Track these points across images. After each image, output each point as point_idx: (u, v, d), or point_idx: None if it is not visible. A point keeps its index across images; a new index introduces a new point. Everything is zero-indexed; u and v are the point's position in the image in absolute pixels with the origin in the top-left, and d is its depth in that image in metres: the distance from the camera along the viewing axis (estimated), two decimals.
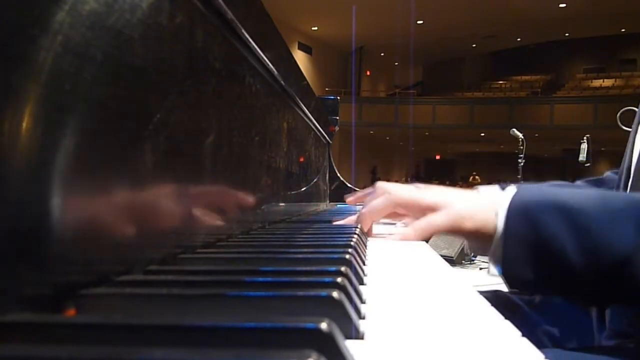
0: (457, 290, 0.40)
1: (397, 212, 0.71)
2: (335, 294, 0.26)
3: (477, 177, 16.36)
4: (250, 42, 0.64)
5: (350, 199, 0.96)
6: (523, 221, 0.54)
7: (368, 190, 0.86)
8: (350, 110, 15.80)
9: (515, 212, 0.54)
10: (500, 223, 0.55)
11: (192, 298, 0.28)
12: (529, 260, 0.52)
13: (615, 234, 0.50)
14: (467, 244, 4.51)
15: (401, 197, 0.68)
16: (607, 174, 0.90)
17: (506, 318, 0.29)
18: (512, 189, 0.57)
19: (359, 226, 0.71)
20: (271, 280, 0.33)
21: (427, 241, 0.72)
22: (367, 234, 0.75)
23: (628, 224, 0.50)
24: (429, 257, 0.58)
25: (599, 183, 0.89)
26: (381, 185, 0.73)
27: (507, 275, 0.55)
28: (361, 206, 0.84)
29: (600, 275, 0.50)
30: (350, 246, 0.47)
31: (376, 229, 0.89)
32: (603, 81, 18.57)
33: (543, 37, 18.80)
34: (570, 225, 0.51)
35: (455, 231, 0.63)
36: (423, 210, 0.65)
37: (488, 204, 0.59)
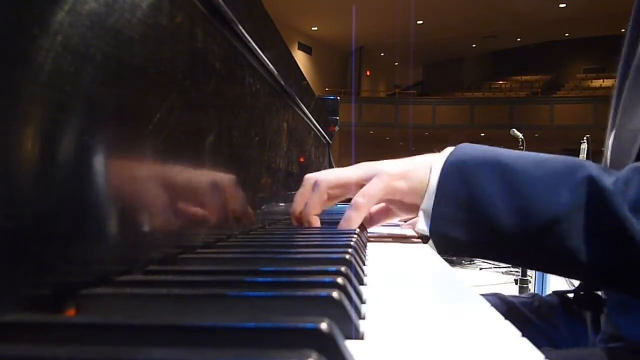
0: (457, 290, 0.40)
1: (330, 196, 0.69)
2: (335, 294, 0.26)
3: None
4: (250, 42, 0.64)
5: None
6: (456, 177, 0.52)
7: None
8: (350, 110, 15.80)
9: (449, 168, 0.52)
10: (433, 179, 0.53)
11: (192, 298, 0.28)
12: (459, 219, 0.50)
13: (548, 196, 0.47)
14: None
15: (329, 182, 0.66)
16: None
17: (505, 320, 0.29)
18: (449, 149, 0.55)
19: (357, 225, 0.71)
20: (271, 280, 0.33)
21: (426, 242, 0.72)
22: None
23: (563, 186, 0.47)
24: (429, 257, 0.58)
25: None
26: (307, 178, 0.71)
27: (435, 232, 0.52)
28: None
29: (532, 236, 0.48)
30: (350, 246, 0.47)
31: (377, 229, 0.89)
32: (603, 81, 18.57)
33: (543, 37, 18.81)
34: (504, 184, 0.49)
35: (391, 195, 0.61)
36: (357, 185, 0.64)
37: (422, 162, 0.57)
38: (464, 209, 0.50)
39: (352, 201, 0.65)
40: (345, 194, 0.69)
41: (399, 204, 0.66)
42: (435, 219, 0.52)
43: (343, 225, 0.67)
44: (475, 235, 0.50)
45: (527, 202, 0.48)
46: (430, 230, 0.53)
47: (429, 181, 0.54)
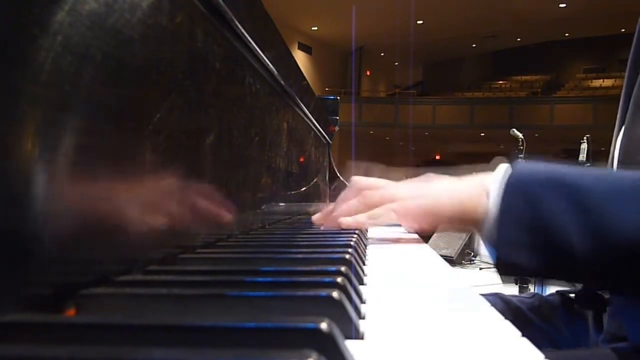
0: (457, 290, 0.40)
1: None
2: (335, 294, 0.26)
3: None
4: (250, 42, 0.64)
5: (317, 218, 0.79)
6: (520, 200, 0.47)
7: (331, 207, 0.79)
8: (350, 110, 15.80)
9: (511, 190, 0.48)
10: (492, 203, 0.49)
11: (192, 298, 0.28)
12: (526, 244, 0.46)
13: (625, 215, 0.44)
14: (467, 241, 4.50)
15: (374, 199, 0.62)
16: None
17: (505, 319, 0.29)
18: (502, 168, 0.51)
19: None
20: (271, 280, 0.33)
21: (427, 241, 0.72)
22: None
23: (638, 204, 0.44)
24: (429, 257, 0.58)
25: None
26: (357, 181, 0.68)
27: (502, 260, 0.49)
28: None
29: (608, 259, 0.45)
30: (350, 246, 0.47)
31: (379, 231, 0.89)
32: (603, 81, 18.57)
33: (543, 37, 18.80)
34: (573, 203, 0.45)
35: (433, 217, 0.57)
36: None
37: (474, 185, 0.53)
38: (531, 234, 0.46)
39: (385, 206, 0.61)
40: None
41: (441, 224, 0.62)
42: (500, 247, 0.48)
43: (350, 223, 0.65)
44: (545, 260, 0.47)
45: (601, 223, 0.44)
46: (497, 260, 0.49)
47: (487, 206, 0.49)
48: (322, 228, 0.71)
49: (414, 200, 0.58)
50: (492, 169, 0.53)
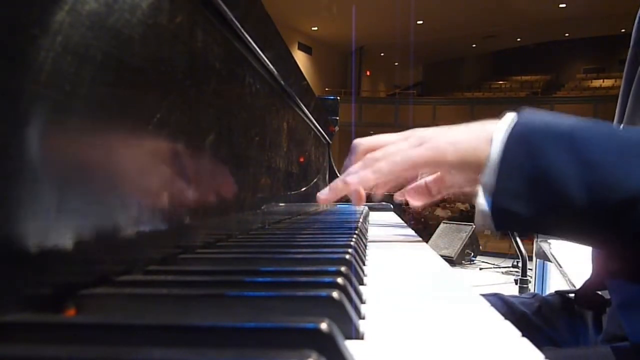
0: (457, 290, 0.40)
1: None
2: (335, 294, 0.26)
3: None
4: (250, 42, 0.64)
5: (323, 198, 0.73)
6: (521, 149, 0.47)
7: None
8: (350, 110, 15.80)
9: (513, 139, 0.47)
10: (495, 150, 0.48)
11: (192, 298, 0.28)
12: (523, 194, 0.46)
13: (625, 170, 0.43)
14: (468, 243, 4.50)
15: (368, 143, 0.61)
16: None
17: (505, 320, 0.29)
18: (509, 116, 0.50)
19: (359, 225, 0.71)
20: (271, 281, 0.33)
21: (427, 242, 0.72)
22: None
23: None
24: (429, 257, 0.58)
25: None
26: (359, 144, 0.64)
27: (496, 208, 0.48)
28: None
29: (603, 214, 0.44)
30: (350, 246, 0.47)
31: (377, 229, 0.89)
32: (603, 81, 18.58)
33: (543, 37, 18.81)
34: (574, 155, 0.45)
35: (437, 165, 0.56)
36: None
37: (479, 130, 0.52)
38: (529, 184, 0.46)
39: (385, 154, 0.58)
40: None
41: (445, 172, 0.61)
42: (497, 195, 0.47)
43: (354, 181, 0.61)
44: (541, 212, 0.46)
45: (602, 177, 0.44)
46: (492, 207, 0.48)
47: (489, 153, 0.49)
48: (323, 199, 0.67)
49: (416, 149, 0.56)
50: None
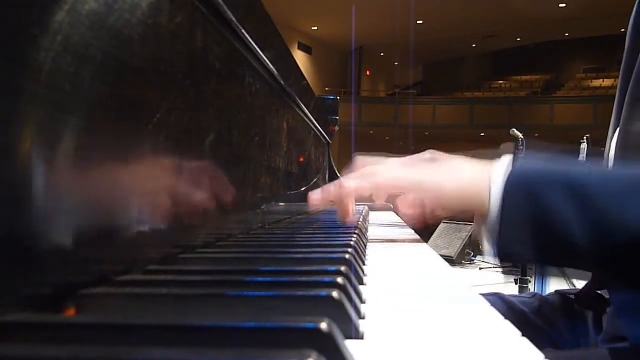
0: (457, 290, 0.40)
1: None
2: (335, 294, 0.26)
3: None
4: (250, 42, 0.64)
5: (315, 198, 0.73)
6: (521, 196, 0.48)
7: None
8: (350, 110, 15.80)
9: (513, 186, 0.48)
10: (494, 200, 0.49)
11: (192, 298, 0.28)
12: (528, 240, 0.47)
13: (625, 209, 0.44)
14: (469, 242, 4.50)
15: (380, 183, 0.61)
16: None
17: (506, 320, 0.29)
18: (505, 160, 0.51)
19: (359, 225, 0.71)
20: (271, 280, 0.33)
21: (427, 241, 0.72)
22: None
23: (636, 198, 0.44)
24: (429, 257, 0.58)
25: None
26: (360, 160, 0.65)
27: (502, 255, 0.49)
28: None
29: (606, 254, 0.45)
30: (350, 246, 0.47)
31: (377, 229, 0.89)
32: (603, 81, 18.57)
33: (543, 37, 18.81)
34: (573, 199, 0.45)
35: (435, 199, 0.59)
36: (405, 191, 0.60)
37: (479, 173, 0.53)
38: (532, 230, 0.47)
39: (378, 167, 0.60)
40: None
41: (440, 207, 0.62)
42: (502, 244, 0.48)
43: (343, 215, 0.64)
44: (545, 255, 0.48)
45: (602, 217, 0.45)
46: (498, 255, 0.49)
47: (488, 199, 0.50)
48: (313, 203, 0.68)
49: (418, 174, 0.57)
50: (499, 155, 0.53)
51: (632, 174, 0.47)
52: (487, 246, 0.51)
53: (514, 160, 0.51)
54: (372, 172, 0.61)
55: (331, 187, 0.66)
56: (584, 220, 0.45)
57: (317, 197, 0.67)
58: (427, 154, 0.61)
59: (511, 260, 0.50)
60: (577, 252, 0.46)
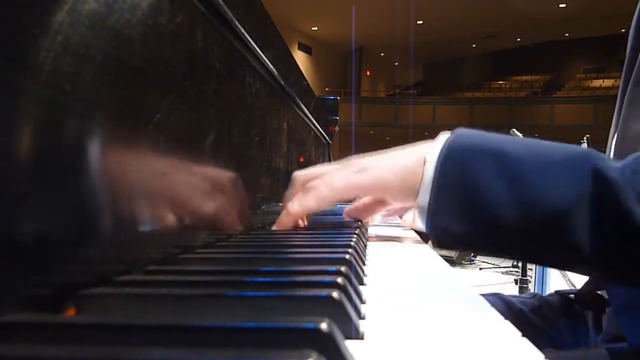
0: (457, 291, 0.40)
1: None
2: (335, 294, 0.26)
3: None
4: (250, 42, 0.64)
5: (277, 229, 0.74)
6: (453, 168, 0.48)
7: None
8: (350, 110, 15.82)
9: (447, 158, 0.49)
10: (428, 172, 0.50)
11: (192, 298, 0.28)
12: (457, 211, 0.47)
13: (551, 188, 0.45)
14: None
15: (306, 176, 0.62)
16: None
17: (505, 320, 0.29)
18: (445, 136, 0.52)
19: (359, 225, 0.71)
20: (271, 280, 0.33)
21: (427, 242, 0.72)
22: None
23: (567, 178, 0.45)
24: (429, 257, 0.58)
25: None
26: (296, 176, 0.67)
27: (433, 228, 0.49)
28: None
29: (534, 229, 0.46)
30: (350, 246, 0.47)
31: (377, 229, 0.89)
32: (603, 81, 18.58)
33: (543, 37, 18.82)
34: (503, 173, 0.46)
35: (380, 192, 0.58)
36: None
37: (416, 153, 0.54)
38: (461, 201, 0.48)
39: (316, 181, 0.61)
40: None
41: (390, 198, 0.63)
42: (432, 214, 0.49)
43: (285, 218, 0.64)
44: (473, 228, 0.48)
45: (529, 194, 0.45)
46: (428, 226, 0.50)
47: (422, 174, 0.51)
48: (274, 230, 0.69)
49: (358, 175, 0.58)
50: None
51: (566, 150, 0.48)
52: (418, 222, 0.52)
53: (452, 134, 0.51)
54: (314, 186, 0.62)
55: (282, 218, 0.67)
56: (511, 196, 0.45)
57: (277, 228, 0.68)
58: (351, 158, 0.62)
59: (442, 237, 0.50)
60: (503, 227, 0.46)
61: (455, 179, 0.48)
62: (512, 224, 0.46)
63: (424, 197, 0.50)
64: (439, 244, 0.51)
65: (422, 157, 0.52)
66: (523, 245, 0.48)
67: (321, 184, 0.61)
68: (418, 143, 0.57)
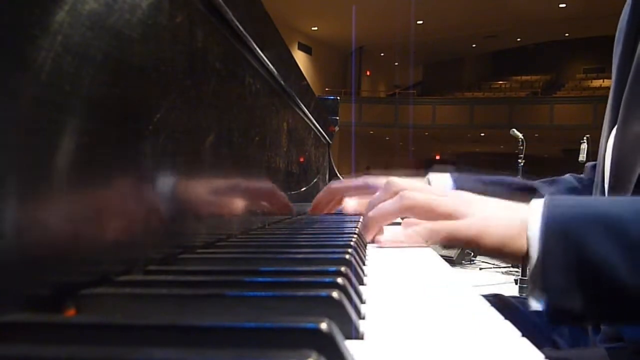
0: (457, 291, 0.40)
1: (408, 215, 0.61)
2: (335, 294, 0.26)
3: None
4: (250, 42, 0.64)
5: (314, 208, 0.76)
6: (563, 243, 0.46)
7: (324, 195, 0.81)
8: (350, 110, 15.82)
9: (553, 233, 0.47)
10: (534, 248, 0.48)
11: (192, 298, 0.28)
12: (574, 287, 0.45)
13: None
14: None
15: (416, 202, 0.59)
16: (588, 165, 0.89)
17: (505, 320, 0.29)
18: (538, 204, 0.49)
19: (359, 225, 0.71)
20: (271, 281, 0.33)
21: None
22: (373, 240, 0.65)
23: None
24: (429, 258, 0.58)
25: (554, 183, 0.86)
26: (394, 182, 0.63)
27: (552, 309, 0.47)
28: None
29: None
30: (350, 246, 0.47)
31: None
32: (603, 81, 18.57)
33: (543, 37, 18.83)
34: (618, 242, 0.44)
35: (473, 245, 0.55)
36: (438, 218, 0.57)
37: (514, 219, 0.52)
38: (578, 278, 0.45)
39: (429, 225, 0.57)
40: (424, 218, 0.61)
41: (478, 246, 0.59)
42: (549, 295, 0.46)
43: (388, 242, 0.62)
44: (597, 303, 0.46)
45: None
46: (547, 308, 0.47)
47: (526, 249, 0.49)
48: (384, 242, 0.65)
49: (457, 224, 0.55)
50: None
51: None
52: (533, 303, 0.49)
53: (547, 203, 0.49)
54: (408, 200, 0.59)
55: (367, 222, 0.64)
56: (630, 263, 0.43)
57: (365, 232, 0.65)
58: (458, 193, 0.59)
59: (563, 316, 0.48)
60: (627, 296, 0.44)
61: (566, 255, 0.46)
62: (636, 292, 0.44)
63: (536, 277, 0.48)
64: (556, 322, 0.50)
65: (523, 224, 0.50)
66: None
67: (429, 228, 0.57)
68: (509, 204, 0.55)
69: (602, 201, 0.49)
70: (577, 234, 0.45)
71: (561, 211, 0.48)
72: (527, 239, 0.49)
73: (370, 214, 0.63)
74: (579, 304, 0.45)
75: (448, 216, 0.56)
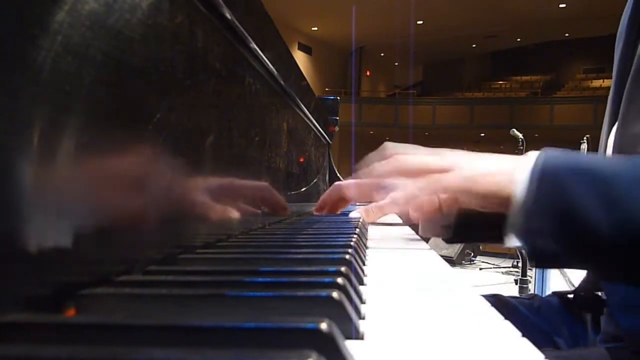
0: (457, 291, 0.40)
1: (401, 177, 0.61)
2: (335, 295, 0.26)
3: None
4: (250, 42, 0.64)
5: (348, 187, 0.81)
6: (549, 189, 0.47)
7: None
8: (350, 110, 15.82)
9: (539, 178, 0.48)
10: (520, 190, 0.49)
11: (192, 298, 0.28)
12: (554, 233, 0.47)
13: None
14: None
15: (408, 162, 0.60)
16: None
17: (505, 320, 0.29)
18: (532, 154, 0.51)
19: (359, 225, 0.71)
20: (271, 281, 0.33)
21: (427, 241, 0.72)
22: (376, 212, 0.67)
23: None
24: (429, 257, 0.58)
25: None
26: (388, 146, 0.64)
27: (530, 247, 0.49)
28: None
29: (631, 249, 0.45)
30: (350, 246, 0.47)
31: (377, 229, 0.89)
32: (603, 81, 18.56)
33: (543, 37, 18.82)
34: (600, 193, 0.45)
35: (465, 193, 0.57)
36: (431, 173, 0.58)
37: (506, 166, 0.53)
38: (559, 222, 0.47)
39: (419, 181, 0.58)
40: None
41: (464, 199, 0.60)
42: (531, 235, 0.48)
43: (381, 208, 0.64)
44: (573, 249, 0.47)
45: (626, 213, 0.45)
46: (527, 248, 0.49)
47: (513, 192, 0.50)
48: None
49: (450, 175, 0.56)
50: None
51: None
52: (512, 242, 0.51)
53: (541, 153, 0.51)
54: (403, 163, 0.60)
55: (385, 207, 0.68)
56: (609, 215, 0.45)
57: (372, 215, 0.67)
58: (445, 150, 0.60)
59: (544, 261, 0.50)
60: (603, 249, 0.45)
61: (551, 199, 0.47)
62: (611, 246, 0.45)
63: (518, 218, 0.49)
64: (537, 265, 0.51)
65: (511, 172, 0.51)
66: (621, 264, 0.48)
67: (421, 183, 0.58)
68: (502, 156, 0.56)
69: (596, 157, 0.50)
70: (564, 182, 0.47)
71: (554, 161, 0.49)
72: (515, 182, 0.50)
73: (361, 172, 0.65)
74: (556, 247, 0.47)
75: (439, 170, 0.57)
